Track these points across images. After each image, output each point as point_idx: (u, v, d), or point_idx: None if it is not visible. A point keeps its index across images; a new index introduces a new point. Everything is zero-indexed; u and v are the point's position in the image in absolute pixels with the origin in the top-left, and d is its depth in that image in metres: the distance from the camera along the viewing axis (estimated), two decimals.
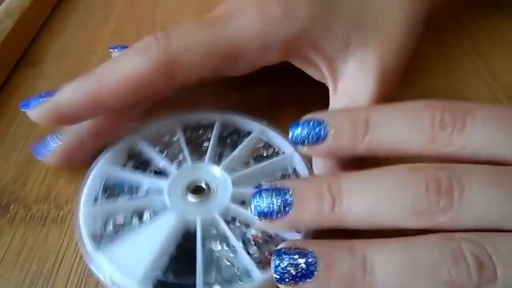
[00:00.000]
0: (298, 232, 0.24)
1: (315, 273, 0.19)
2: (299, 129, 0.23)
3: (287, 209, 0.21)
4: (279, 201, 0.21)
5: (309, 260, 0.20)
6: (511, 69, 0.36)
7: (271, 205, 0.21)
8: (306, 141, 0.23)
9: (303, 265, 0.20)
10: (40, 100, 0.26)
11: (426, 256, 0.19)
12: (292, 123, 0.24)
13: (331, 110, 0.28)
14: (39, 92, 0.35)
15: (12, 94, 0.35)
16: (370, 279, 0.19)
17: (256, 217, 0.22)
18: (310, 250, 0.20)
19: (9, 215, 0.27)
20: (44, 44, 0.41)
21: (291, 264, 0.20)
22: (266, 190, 0.22)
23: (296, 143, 0.24)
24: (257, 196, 0.22)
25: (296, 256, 0.20)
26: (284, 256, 0.20)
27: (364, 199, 0.21)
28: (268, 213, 0.21)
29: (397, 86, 0.35)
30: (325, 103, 0.28)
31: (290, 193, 0.21)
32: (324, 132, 0.23)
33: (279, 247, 0.21)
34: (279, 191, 0.21)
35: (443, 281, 0.19)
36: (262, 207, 0.21)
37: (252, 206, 0.22)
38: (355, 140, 0.23)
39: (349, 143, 0.23)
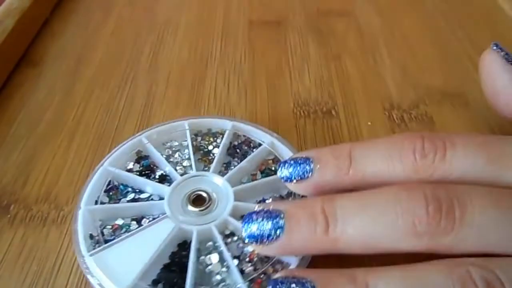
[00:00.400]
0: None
1: None
2: (287, 167, 0.24)
3: (278, 232, 0.21)
4: (270, 224, 0.21)
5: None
6: None
7: (262, 229, 0.21)
8: (294, 178, 0.23)
9: None
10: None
11: (433, 283, 0.18)
12: (280, 162, 0.24)
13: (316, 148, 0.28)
14: (39, 92, 0.35)
15: (12, 94, 0.35)
16: None
17: (247, 240, 0.21)
18: (308, 279, 0.19)
19: (9, 216, 0.27)
20: (44, 44, 0.41)
21: None
22: (257, 213, 0.21)
23: (285, 180, 0.24)
24: (248, 219, 0.21)
25: (294, 285, 0.19)
26: (281, 285, 0.20)
27: (360, 220, 0.20)
28: (259, 237, 0.21)
29: (397, 87, 0.35)
30: None
31: (282, 216, 0.21)
32: (310, 168, 0.23)
33: (275, 276, 0.20)
34: (270, 214, 0.21)
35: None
36: (253, 231, 0.21)
37: (243, 229, 0.21)
38: (339, 172, 0.23)
39: (334, 176, 0.23)
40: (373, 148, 0.23)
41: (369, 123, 0.32)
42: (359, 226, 0.20)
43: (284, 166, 0.24)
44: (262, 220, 0.21)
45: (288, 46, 0.40)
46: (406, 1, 0.45)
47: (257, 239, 0.21)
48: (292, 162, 0.24)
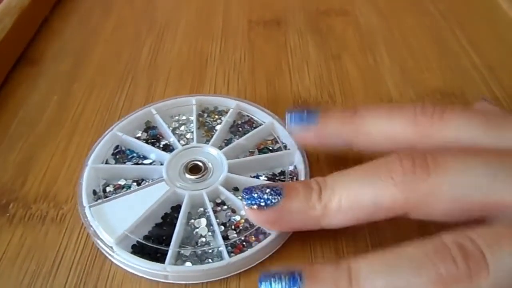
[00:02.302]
0: None
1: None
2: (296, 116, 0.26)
3: (277, 197, 0.22)
4: (270, 190, 0.22)
5: (295, 273, 0.19)
6: (511, 68, 0.36)
7: (262, 194, 0.22)
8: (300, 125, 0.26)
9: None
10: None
11: (410, 257, 0.18)
12: (288, 112, 0.26)
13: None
14: (38, 91, 0.35)
15: (11, 93, 0.35)
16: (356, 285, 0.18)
17: (246, 205, 0.22)
18: (296, 271, 0.19)
19: (8, 214, 0.27)
20: (43, 42, 0.40)
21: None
22: (256, 186, 0.22)
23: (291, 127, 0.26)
24: (249, 189, 0.22)
25: (283, 277, 0.19)
26: (272, 279, 0.20)
27: (347, 184, 0.21)
28: (259, 199, 0.22)
29: (397, 87, 0.35)
30: None
31: (281, 187, 0.22)
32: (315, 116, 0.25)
33: (265, 272, 0.20)
34: (270, 185, 0.22)
35: (433, 280, 0.18)
36: (254, 195, 0.22)
37: (243, 194, 0.22)
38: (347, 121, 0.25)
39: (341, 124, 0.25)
40: (378, 106, 0.25)
41: None
42: (346, 188, 0.21)
43: (292, 115, 0.26)
44: (263, 188, 0.22)
45: (288, 45, 0.40)
46: (406, 0, 0.45)
47: (257, 202, 0.22)
48: (301, 112, 0.26)
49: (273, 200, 0.22)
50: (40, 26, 0.42)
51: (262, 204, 0.22)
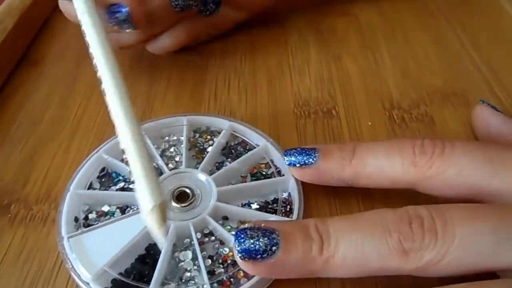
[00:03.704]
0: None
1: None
2: (293, 153, 0.26)
3: (274, 249, 0.20)
4: (266, 240, 0.20)
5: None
6: None
7: (257, 244, 0.20)
8: (298, 163, 0.25)
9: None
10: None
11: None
12: (286, 150, 0.26)
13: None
14: (39, 91, 0.35)
15: (13, 94, 0.35)
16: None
17: (239, 256, 0.20)
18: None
19: (9, 215, 0.27)
20: (45, 43, 0.41)
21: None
22: (251, 228, 0.21)
23: (289, 164, 0.26)
24: (242, 234, 0.21)
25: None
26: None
27: (351, 239, 0.20)
28: (253, 252, 0.20)
29: (398, 87, 0.35)
30: None
31: (277, 233, 0.20)
32: (314, 155, 0.25)
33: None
34: (265, 231, 0.21)
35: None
36: (247, 245, 0.20)
37: (236, 244, 0.20)
38: (342, 162, 0.24)
39: (337, 165, 0.24)
40: (376, 145, 0.24)
41: (370, 123, 0.32)
42: (351, 245, 0.20)
43: (291, 152, 0.26)
44: (257, 235, 0.20)
45: (289, 46, 0.40)
46: (407, 1, 0.45)
47: (251, 254, 0.20)
48: (298, 149, 0.26)
49: (269, 253, 0.20)
50: (42, 27, 0.42)
51: (257, 256, 0.20)
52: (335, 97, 0.34)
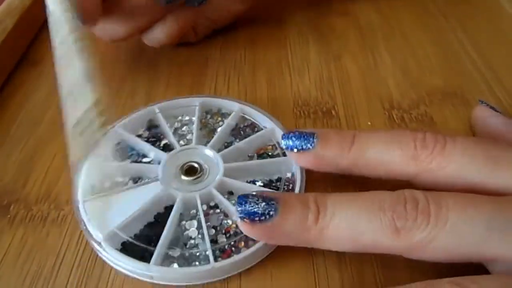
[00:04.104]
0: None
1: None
2: (291, 137, 0.25)
3: (271, 213, 0.21)
4: (265, 205, 0.22)
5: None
6: None
7: (256, 207, 0.22)
8: (296, 147, 0.25)
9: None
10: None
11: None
12: (284, 133, 0.26)
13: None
14: (40, 91, 0.35)
15: (13, 94, 0.35)
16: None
17: (239, 217, 0.22)
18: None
19: (9, 216, 0.27)
20: (44, 44, 0.41)
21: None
22: (253, 195, 0.22)
23: (286, 148, 0.25)
24: (244, 197, 0.22)
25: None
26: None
27: (347, 212, 0.21)
28: (252, 214, 0.21)
29: (397, 87, 0.35)
30: None
31: (277, 201, 0.22)
32: (313, 140, 0.25)
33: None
34: (266, 197, 0.22)
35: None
36: (247, 207, 0.22)
37: (237, 206, 0.22)
38: (341, 149, 0.24)
39: (335, 151, 0.24)
40: (377, 134, 0.24)
41: (369, 123, 0.32)
42: (346, 218, 0.21)
43: (289, 135, 0.25)
44: (258, 200, 0.22)
45: (288, 45, 0.40)
46: (406, 0, 0.45)
47: (250, 215, 0.21)
48: (297, 133, 0.25)
49: (266, 216, 0.21)
50: (42, 27, 0.42)
51: (256, 218, 0.21)
52: (334, 97, 0.34)
